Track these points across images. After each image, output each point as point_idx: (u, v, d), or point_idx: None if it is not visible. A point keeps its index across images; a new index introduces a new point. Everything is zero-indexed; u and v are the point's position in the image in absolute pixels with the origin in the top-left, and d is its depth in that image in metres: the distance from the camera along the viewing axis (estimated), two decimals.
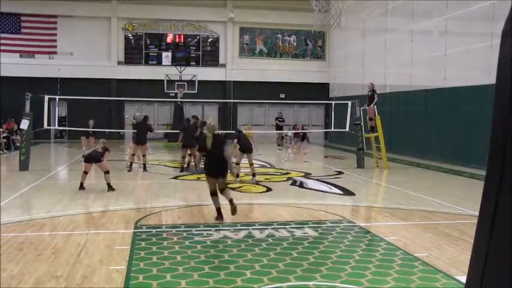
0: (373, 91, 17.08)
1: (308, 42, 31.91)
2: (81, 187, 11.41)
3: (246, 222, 8.18)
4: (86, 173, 11.53)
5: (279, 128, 26.21)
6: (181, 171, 14.82)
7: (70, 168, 16.60)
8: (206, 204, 9.70)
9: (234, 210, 8.16)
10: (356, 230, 7.76)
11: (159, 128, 29.45)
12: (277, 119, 26.85)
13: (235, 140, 13.52)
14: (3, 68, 26.65)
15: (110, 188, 11.28)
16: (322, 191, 11.77)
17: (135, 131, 15.62)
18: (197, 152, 13.63)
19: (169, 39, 30.38)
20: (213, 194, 8.19)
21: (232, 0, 30.62)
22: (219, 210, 8.19)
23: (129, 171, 14.90)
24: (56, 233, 7.37)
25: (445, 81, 18.37)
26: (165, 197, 10.66)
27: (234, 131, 15.74)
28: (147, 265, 5.75)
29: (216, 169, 8.15)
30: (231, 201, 8.17)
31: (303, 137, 19.15)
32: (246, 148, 13.44)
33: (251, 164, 13.48)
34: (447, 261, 6.00)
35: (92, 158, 11.44)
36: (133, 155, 15.28)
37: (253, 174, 13.35)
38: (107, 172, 11.36)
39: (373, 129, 17.02)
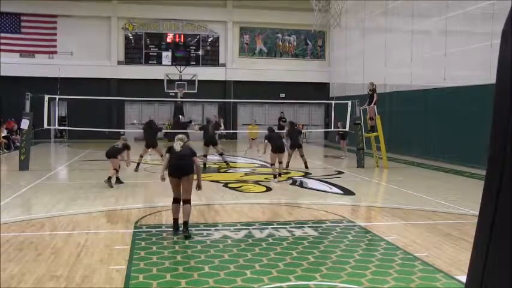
0: (373, 91, 17.07)
1: (308, 42, 31.90)
2: (109, 182, 11.71)
3: (246, 222, 8.18)
4: (115, 170, 11.97)
5: (281, 128, 26.21)
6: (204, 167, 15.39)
7: (70, 168, 16.61)
8: (206, 204, 9.71)
9: (185, 232, 7.26)
10: (356, 230, 7.76)
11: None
12: (280, 119, 26.79)
13: (266, 140, 13.34)
14: (3, 68, 26.64)
15: (108, 181, 11.64)
16: (322, 191, 11.77)
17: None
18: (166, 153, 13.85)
19: (169, 39, 30.37)
20: (175, 201, 7.45)
21: (232, 0, 30.62)
22: (176, 221, 7.42)
23: (136, 171, 14.92)
24: (56, 233, 7.37)
25: (445, 81, 18.36)
26: (165, 197, 10.64)
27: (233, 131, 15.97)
28: (147, 265, 5.75)
29: (180, 170, 7.38)
30: (185, 223, 7.30)
31: (343, 136, 20.49)
32: (278, 148, 13.06)
33: (280, 163, 13.38)
34: (447, 261, 6.00)
35: (109, 154, 12.04)
36: (141, 156, 15.47)
37: (275, 176, 13.21)
38: (115, 169, 11.85)
39: (373, 129, 17.01)
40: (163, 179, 7.75)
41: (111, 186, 11.57)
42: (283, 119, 26.67)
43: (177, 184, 7.43)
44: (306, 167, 15.18)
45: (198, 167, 7.69)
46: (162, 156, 15.19)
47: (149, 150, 15.72)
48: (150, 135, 15.61)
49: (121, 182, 12.21)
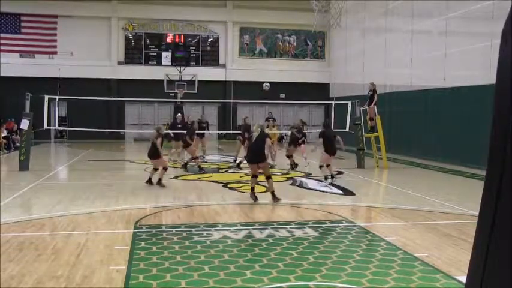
0: (374, 91, 17.07)
1: (308, 42, 31.89)
2: (149, 182, 11.93)
3: (246, 222, 8.18)
4: (155, 169, 12.11)
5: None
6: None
7: (70, 168, 16.61)
8: (206, 204, 9.72)
9: (275, 200, 9.91)
10: (356, 230, 7.76)
11: None
12: (267, 119, 26.70)
13: (321, 139, 12.48)
14: (3, 68, 26.64)
15: (160, 183, 11.70)
16: (322, 191, 11.77)
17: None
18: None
19: (169, 39, 30.38)
20: (253, 176, 10.18)
21: (232, 0, 30.62)
22: (253, 189, 10.09)
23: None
24: (56, 233, 7.37)
25: (445, 81, 18.36)
26: (165, 197, 10.66)
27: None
28: (147, 265, 5.74)
29: (254, 157, 10.07)
30: (272, 193, 9.95)
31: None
32: (333, 150, 12.80)
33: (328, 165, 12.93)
34: (447, 261, 6.00)
35: (153, 154, 11.93)
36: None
37: (326, 177, 12.96)
38: (164, 168, 11.88)
39: (373, 129, 17.01)
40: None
41: (164, 186, 11.66)
42: (271, 119, 26.54)
43: (254, 167, 10.10)
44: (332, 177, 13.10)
45: (268, 147, 10.38)
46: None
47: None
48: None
49: (163, 186, 11.79)
